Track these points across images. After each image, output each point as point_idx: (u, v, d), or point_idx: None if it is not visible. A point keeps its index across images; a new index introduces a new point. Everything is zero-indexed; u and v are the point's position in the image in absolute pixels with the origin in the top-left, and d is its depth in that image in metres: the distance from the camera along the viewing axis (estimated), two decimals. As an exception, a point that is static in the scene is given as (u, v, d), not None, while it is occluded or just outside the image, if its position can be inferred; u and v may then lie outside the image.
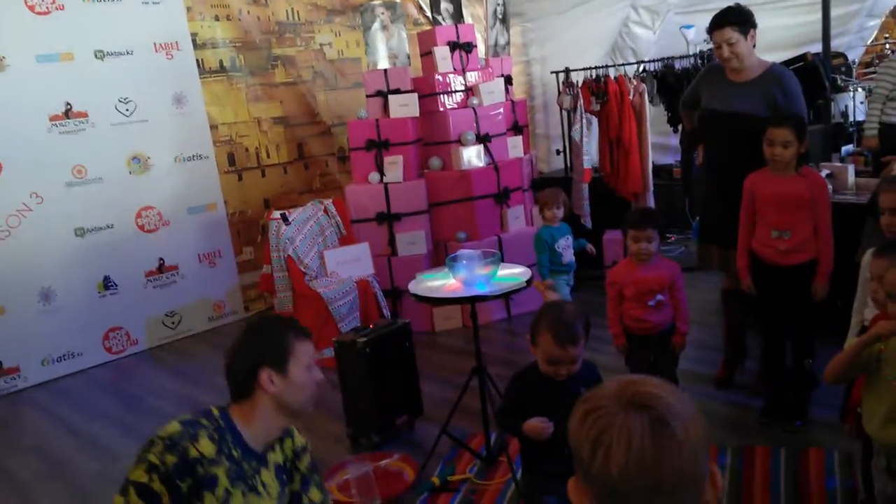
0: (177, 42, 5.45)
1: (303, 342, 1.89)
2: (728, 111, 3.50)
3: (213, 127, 5.76)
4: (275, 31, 6.12)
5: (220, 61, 5.84)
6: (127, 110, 5.27)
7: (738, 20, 3.42)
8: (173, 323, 5.55)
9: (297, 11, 6.23)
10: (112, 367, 5.17)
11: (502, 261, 3.29)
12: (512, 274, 3.26)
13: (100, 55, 5.14)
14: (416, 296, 3.17)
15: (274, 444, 1.93)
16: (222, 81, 5.86)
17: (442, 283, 3.23)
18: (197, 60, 5.63)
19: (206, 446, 1.75)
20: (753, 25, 3.45)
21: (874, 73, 8.31)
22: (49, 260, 4.92)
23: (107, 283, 5.23)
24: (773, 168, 3.22)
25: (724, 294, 3.85)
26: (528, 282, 3.18)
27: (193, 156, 5.62)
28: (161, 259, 5.48)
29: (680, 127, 5.70)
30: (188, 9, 5.54)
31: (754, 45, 3.51)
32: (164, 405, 4.44)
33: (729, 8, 3.49)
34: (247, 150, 6.02)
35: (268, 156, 6.13)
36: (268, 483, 1.89)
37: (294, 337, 1.87)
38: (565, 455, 2.19)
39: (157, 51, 5.38)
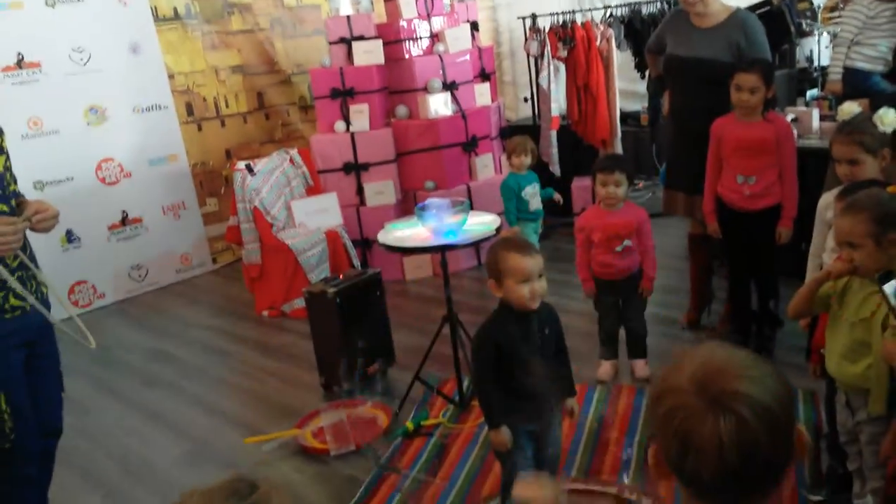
0: (130, -13, 5.26)
1: None
2: (692, 57, 3.49)
3: (170, 76, 5.60)
4: (230, -23, 5.94)
5: (175, 8, 5.65)
6: (81, 59, 5.09)
7: None
8: (140, 276, 5.47)
9: (255, -44, 6.04)
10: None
11: (471, 209, 3.29)
12: (481, 222, 3.26)
13: (50, 3, 4.93)
14: (385, 245, 3.16)
15: None
16: (177, 29, 5.67)
17: (411, 232, 3.22)
18: (151, 8, 5.44)
19: None
20: None
21: (839, 17, 8.34)
22: (7, 214, 4.79)
23: (69, 237, 5.12)
24: (739, 113, 3.23)
25: (691, 239, 3.90)
26: (498, 229, 3.18)
27: (152, 106, 5.47)
28: (124, 212, 5.37)
29: (647, 73, 5.68)
30: (142, -47, 5.33)
31: None
32: (133, 359, 4.41)
33: None
34: (205, 99, 5.87)
35: (227, 105, 5.98)
36: None
37: None
38: (536, 395, 2.23)
39: (110, -2, 5.18)
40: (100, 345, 4.50)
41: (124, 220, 5.37)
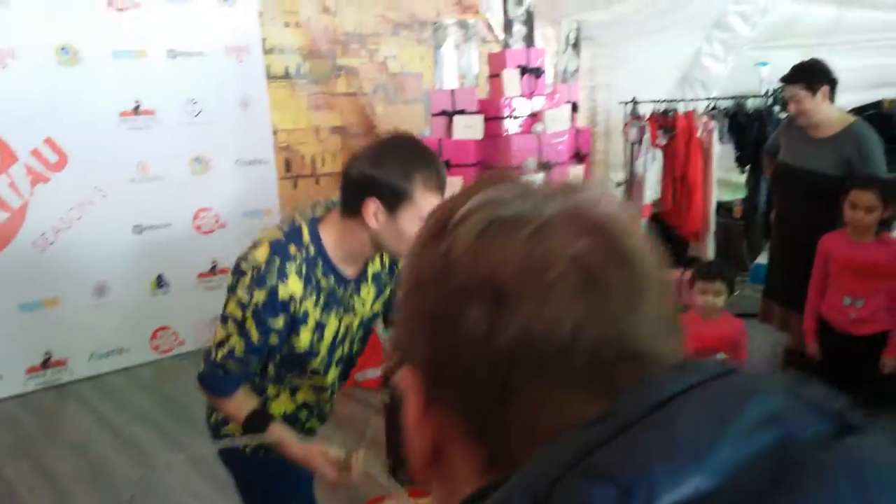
0: (248, 46, 5.48)
1: (430, 192, 1.60)
2: (800, 167, 3.40)
3: (274, 132, 5.78)
4: (341, 41, 6.12)
5: (286, 68, 5.86)
6: (193, 110, 5.31)
7: (804, 78, 3.31)
8: (222, 325, 5.58)
9: (365, 23, 6.23)
10: (156, 366, 5.21)
11: None
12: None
13: (172, 54, 5.18)
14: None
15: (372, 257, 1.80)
16: (286, 87, 5.87)
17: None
18: (265, 66, 5.65)
19: (296, 286, 1.65)
20: (827, 82, 3.33)
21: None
22: (106, 254, 4.97)
23: (160, 282, 5.27)
24: (851, 232, 3.10)
25: (787, 353, 3.73)
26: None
27: (254, 160, 5.63)
28: (214, 261, 5.50)
29: (749, 168, 5.58)
30: (260, 13, 5.57)
31: (832, 100, 3.39)
32: (202, 413, 4.45)
33: (801, 64, 3.39)
34: (303, 157, 6.02)
35: (323, 164, 6.13)
36: (366, 298, 1.85)
37: (423, 181, 1.60)
38: None
39: (228, 53, 5.41)
40: (174, 396, 4.63)
41: (214, 270, 5.51)
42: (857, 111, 6.44)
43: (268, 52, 5.70)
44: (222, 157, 5.48)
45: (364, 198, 1.61)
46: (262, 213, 5.69)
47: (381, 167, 1.61)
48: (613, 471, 0.37)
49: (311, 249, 1.69)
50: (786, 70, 3.51)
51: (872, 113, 6.32)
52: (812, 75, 3.31)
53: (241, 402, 1.79)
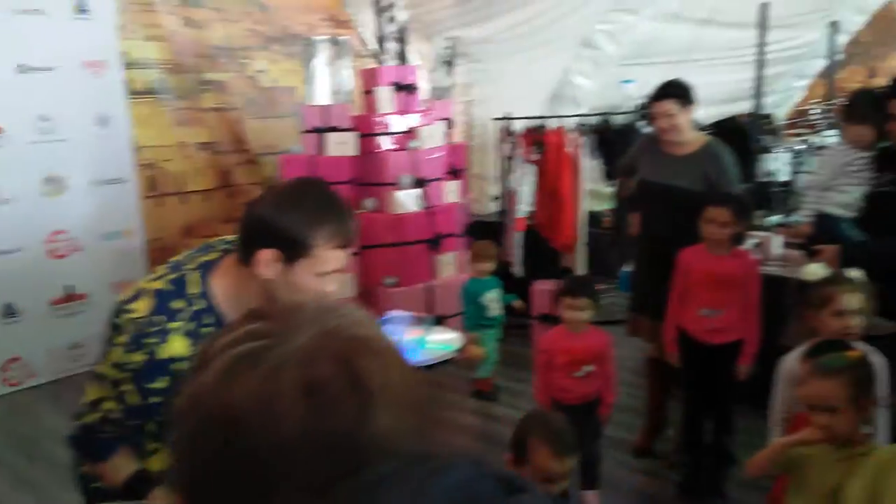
0: (105, 60, 5.19)
1: (334, 248, 1.49)
2: (664, 184, 3.51)
3: (136, 150, 5.50)
4: (207, 55, 5.91)
5: (149, 83, 5.59)
6: (45, 128, 4.97)
7: (678, 94, 3.45)
8: (78, 356, 5.22)
9: (233, 36, 6.04)
10: (7, 400, 4.82)
11: (434, 314, 3.19)
12: (443, 340, 3.16)
13: (22, 69, 4.83)
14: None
15: None
16: (149, 103, 5.61)
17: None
18: (126, 81, 5.37)
19: (179, 346, 1.50)
20: (692, 101, 3.49)
21: (798, 133, 8.65)
22: (-52, 283, 4.58)
23: (9, 311, 4.89)
24: (708, 246, 3.24)
25: (650, 363, 3.85)
26: (461, 350, 3.09)
27: (113, 179, 5.34)
28: (70, 287, 5.16)
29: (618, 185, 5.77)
30: (121, 27, 5.29)
31: (692, 120, 3.55)
32: (60, 452, 4.14)
33: (671, 81, 3.53)
34: (169, 175, 5.77)
35: (191, 182, 5.89)
36: None
37: (328, 235, 1.48)
38: None
39: (84, 68, 5.10)
40: (25, 433, 4.29)
41: (69, 296, 5.16)
42: (715, 125, 6.83)
43: (129, 66, 5.43)
44: (78, 177, 5.15)
45: (260, 245, 1.49)
46: (122, 234, 5.39)
47: (283, 214, 1.49)
48: None
49: (200, 304, 1.56)
50: (650, 87, 3.62)
51: (728, 127, 6.70)
52: (684, 91, 3.44)
53: (120, 465, 1.62)
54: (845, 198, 3.02)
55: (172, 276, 1.59)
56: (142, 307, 1.52)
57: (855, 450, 2.00)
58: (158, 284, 1.57)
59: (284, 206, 1.50)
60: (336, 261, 1.52)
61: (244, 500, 0.54)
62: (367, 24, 6.20)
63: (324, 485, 0.53)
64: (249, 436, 0.54)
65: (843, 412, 1.96)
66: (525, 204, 5.63)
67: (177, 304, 1.53)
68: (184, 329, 1.53)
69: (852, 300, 2.40)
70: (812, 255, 3.04)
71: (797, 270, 2.80)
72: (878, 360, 2.25)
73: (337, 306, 0.64)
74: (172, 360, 1.51)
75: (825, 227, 3.06)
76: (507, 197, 5.69)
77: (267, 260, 1.49)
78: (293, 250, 1.48)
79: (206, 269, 1.60)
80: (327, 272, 1.51)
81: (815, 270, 2.49)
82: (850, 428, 1.98)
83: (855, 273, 2.53)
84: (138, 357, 1.50)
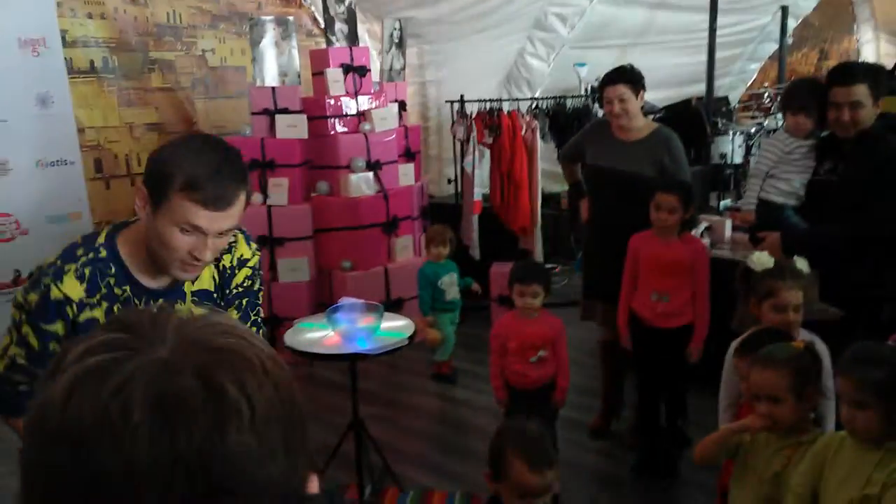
0: (44, 38, 4.99)
1: (190, 202, 1.43)
2: (616, 169, 3.52)
3: (80, 131, 5.33)
4: (153, 34, 5.74)
5: (92, 61, 5.41)
6: (-18, 109, 4.78)
7: (631, 78, 3.46)
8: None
9: (180, 14, 5.87)
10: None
11: (388, 298, 3.18)
12: (395, 328, 3.15)
13: (-45, 47, 4.64)
14: (292, 349, 3.00)
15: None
16: (92, 83, 5.43)
17: (322, 334, 3.08)
18: (66, 59, 5.19)
19: (71, 286, 1.51)
20: (644, 87, 3.50)
21: (752, 116, 8.78)
22: None
23: (-51, 299, 4.73)
24: (657, 232, 3.27)
25: (603, 345, 3.89)
26: (412, 338, 3.08)
27: (58, 161, 5.16)
28: (17, 271, 5.00)
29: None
30: (58, 4, 5.10)
31: (642, 108, 3.56)
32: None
33: (623, 66, 3.54)
34: (116, 156, 5.61)
35: (139, 164, 5.73)
36: None
37: (183, 185, 1.42)
38: None
39: (21, 47, 4.90)
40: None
41: (16, 280, 5.01)
42: (670, 108, 6.88)
43: (69, 45, 5.24)
44: (21, 159, 4.96)
45: (143, 182, 1.49)
46: (68, 217, 5.23)
47: (160, 153, 1.49)
48: None
49: (102, 252, 1.56)
50: (603, 70, 3.62)
51: (682, 110, 6.76)
52: (635, 77, 3.45)
53: None
54: (787, 186, 3.07)
55: (79, 241, 1.61)
56: (53, 255, 1.56)
57: (799, 438, 2.05)
58: (71, 242, 1.60)
59: (167, 146, 1.50)
60: (194, 216, 1.45)
61: None
62: (318, 2, 6.08)
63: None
64: (96, 456, 0.50)
65: (786, 402, 2.00)
66: (480, 187, 5.62)
67: (79, 251, 1.56)
68: (79, 271, 1.53)
69: (793, 296, 2.44)
70: (755, 243, 3.09)
71: (744, 255, 2.84)
72: (820, 348, 2.30)
73: (207, 316, 0.60)
74: (66, 300, 1.52)
75: (768, 215, 3.10)
76: (463, 179, 5.67)
77: (140, 198, 1.49)
78: (156, 191, 1.45)
79: (118, 226, 1.63)
80: (186, 227, 1.46)
81: (761, 260, 2.52)
82: (792, 417, 2.02)
83: (800, 262, 2.57)
84: (33, 296, 1.52)
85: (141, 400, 0.51)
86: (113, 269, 1.56)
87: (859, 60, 10.86)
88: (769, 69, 9.72)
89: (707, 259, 3.35)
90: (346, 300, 3.15)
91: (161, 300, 1.62)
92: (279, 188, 4.92)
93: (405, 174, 5.32)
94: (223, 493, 0.51)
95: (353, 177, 4.94)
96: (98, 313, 1.56)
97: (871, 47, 11.03)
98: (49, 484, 0.52)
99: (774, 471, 2.08)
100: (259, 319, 1.88)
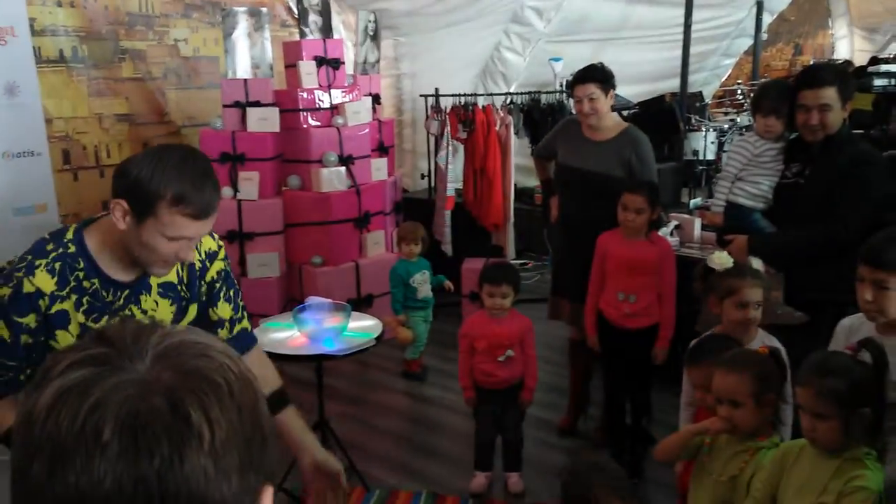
0: (12, 27, 4.89)
1: (179, 215, 1.53)
2: (584, 168, 3.53)
3: (48, 121, 5.24)
4: (124, 22, 5.65)
5: (61, 51, 5.32)
6: (-54, 98, 4.69)
7: (601, 78, 3.46)
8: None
9: (151, 3, 5.77)
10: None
11: (359, 294, 3.16)
12: (362, 328, 3.14)
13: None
14: (257, 349, 2.98)
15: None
16: (61, 72, 5.34)
17: (288, 334, 3.06)
18: (34, 48, 5.09)
19: (43, 280, 1.59)
20: (613, 86, 3.50)
21: (725, 112, 8.83)
22: None
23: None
24: (624, 232, 3.28)
25: (572, 344, 3.90)
26: (379, 338, 3.07)
27: (24, 152, 5.07)
28: (-17, 263, 4.93)
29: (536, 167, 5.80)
30: (26, -10, 5.00)
31: (613, 108, 3.57)
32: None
33: (593, 65, 3.53)
34: (84, 147, 5.52)
35: (108, 155, 5.65)
36: (149, 309, 1.75)
37: (173, 200, 1.52)
38: None
39: (-13, 34, 4.81)
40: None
41: (-16, 272, 4.93)
42: (643, 104, 6.91)
43: (38, 33, 5.14)
44: (-15, 150, 4.89)
45: (116, 195, 1.55)
46: (34, 208, 5.16)
47: (139, 170, 1.53)
48: None
49: (71, 248, 1.63)
50: (578, 66, 3.62)
51: (656, 106, 6.79)
52: (606, 76, 3.45)
53: (3, 414, 1.63)
54: (756, 189, 3.08)
55: (49, 236, 1.68)
56: (22, 253, 1.64)
57: (757, 443, 2.07)
58: (43, 237, 1.68)
59: (143, 162, 1.54)
60: (184, 228, 1.55)
61: None
62: (292, -7, 6.02)
63: None
64: (70, 470, 0.54)
65: (745, 406, 2.02)
66: (454, 182, 5.60)
67: (49, 247, 1.63)
68: (49, 266, 1.60)
69: (754, 293, 2.48)
70: (723, 245, 3.11)
71: (705, 256, 2.86)
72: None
73: (186, 333, 0.63)
74: (39, 293, 1.59)
75: (736, 218, 3.11)
76: (436, 175, 5.65)
77: (119, 210, 1.55)
78: (140, 206, 1.53)
79: (85, 222, 1.70)
80: (175, 237, 1.56)
81: (721, 259, 2.54)
82: (751, 422, 2.04)
83: (755, 262, 2.60)
84: (6, 290, 1.59)
85: (112, 419, 0.54)
86: (82, 264, 1.63)
87: (833, 57, 10.99)
88: (744, 64, 9.78)
89: (674, 259, 3.36)
90: (313, 300, 3.14)
91: (127, 291, 1.70)
92: (250, 182, 4.88)
93: (378, 169, 5.29)
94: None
95: (325, 171, 4.90)
96: (68, 305, 1.63)
97: (845, 43, 11.15)
98: (32, 492, 0.56)
99: (731, 474, 2.11)
100: (243, 304, 1.97)
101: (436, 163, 5.61)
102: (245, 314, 1.95)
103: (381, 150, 5.48)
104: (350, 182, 5.03)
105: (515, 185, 5.86)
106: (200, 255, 1.82)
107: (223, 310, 1.87)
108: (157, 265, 1.64)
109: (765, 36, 8.59)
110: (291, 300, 4.86)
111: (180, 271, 1.79)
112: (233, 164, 4.89)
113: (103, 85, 5.59)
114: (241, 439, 0.58)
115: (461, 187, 5.75)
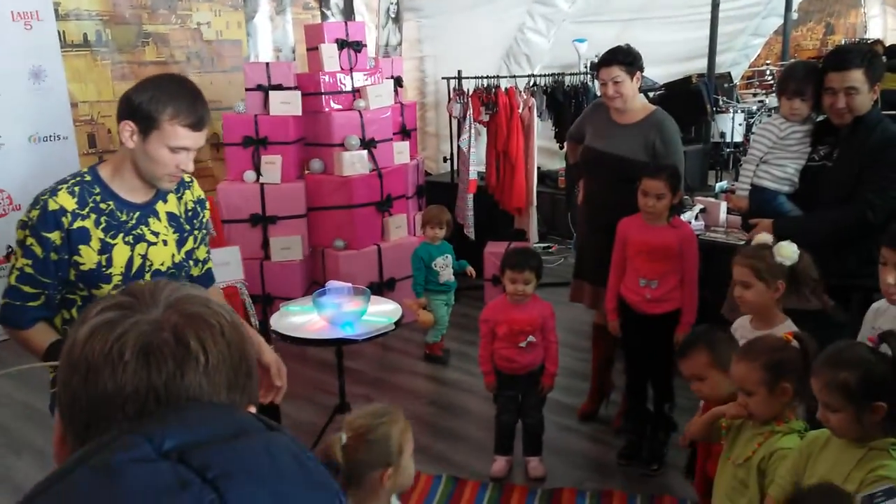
0: (37, 11, 4.95)
1: (180, 126, 1.81)
2: (608, 152, 3.49)
3: (74, 105, 5.30)
4: (147, 6, 5.67)
5: (85, 35, 5.36)
6: (-25, 83, 4.75)
7: (626, 60, 3.40)
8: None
9: (175, -14, 5.80)
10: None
11: (381, 278, 3.15)
12: (382, 312, 3.14)
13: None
14: (278, 333, 3.00)
15: (166, 194, 2.01)
16: (86, 56, 5.38)
17: (308, 318, 3.07)
18: (59, 32, 5.14)
19: (65, 199, 1.84)
20: (640, 68, 3.44)
21: (754, 93, 8.68)
22: None
23: (-57, 273, 4.75)
24: (645, 217, 3.23)
25: (595, 328, 3.87)
26: (398, 322, 3.07)
27: (51, 136, 5.15)
28: (9, 247, 5.01)
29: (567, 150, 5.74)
30: (51, -25, 5.04)
31: (640, 89, 3.51)
32: (2, 415, 4.09)
33: (619, 47, 3.47)
34: (109, 131, 5.57)
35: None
36: (160, 231, 1.99)
37: (173, 113, 1.80)
38: None
39: (14, 20, 4.86)
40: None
41: (9, 256, 5.02)
42: (669, 86, 6.80)
43: (62, 17, 5.19)
44: (13, 134, 4.96)
45: (123, 118, 1.81)
46: (62, 194, 5.23)
47: (140, 93, 1.80)
48: (140, 432, 0.61)
49: (87, 177, 1.90)
50: (603, 47, 3.56)
51: (682, 88, 6.68)
52: (631, 58, 3.39)
53: (41, 336, 1.90)
54: (781, 172, 3.02)
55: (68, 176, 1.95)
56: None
57: (774, 427, 2.07)
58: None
59: (142, 87, 1.82)
60: (185, 138, 1.83)
61: (96, 422, 0.73)
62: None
63: (140, 415, 0.72)
64: (101, 379, 0.72)
65: (757, 395, 2.02)
66: (477, 165, 5.57)
67: (68, 177, 1.91)
68: (70, 189, 1.86)
69: (738, 272, 2.49)
70: (748, 230, 3.06)
71: (738, 240, 2.82)
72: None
73: (190, 290, 0.81)
74: (62, 210, 1.83)
75: (761, 201, 3.06)
76: (459, 158, 5.62)
77: (127, 131, 1.81)
78: (146, 123, 1.79)
79: (99, 161, 1.99)
80: (178, 147, 1.83)
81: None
82: (765, 410, 2.04)
83: (788, 246, 2.54)
84: (35, 212, 1.84)
85: (132, 345, 0.72)
86: (97, 189, 1.89)
87: (865, 36, 10.73)
88: (773, 44, 9.60)
89: (696, 244, 3.31)
90: (333, 284, 3.15)
91: (139, 213, 1.96)
92: (272, 166, 4.89)
93: (400, 152, 5.28)
94: (178, 408, 0.72)
95: (347, 155, 4.90)
96: (88, 224, 1.87)
97: (878, 22, 10.89)
98: (72, 395, 0.74)
99: (746, 456, 2.11)
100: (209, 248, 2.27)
101: (458, 146, 5.58)
102: (210, 256, 2.25)
103: (404, 133, 5.46)
104: (372, 165, 5.02)
105: (539, 168, 5.82)
106: (194, 198, 2.11)
107: (201, 251, 2.15)
108: (164, 180, 1.90)
109: (795, 15, 8.40)
110: (314, 283, 4.88)
111: (178, 207, 2.06)
112: (255, 147, 4.91)
113: (127, 69, 5.63)
114: (228, 366, 0.76)
115: (484, 170, 5.72)
